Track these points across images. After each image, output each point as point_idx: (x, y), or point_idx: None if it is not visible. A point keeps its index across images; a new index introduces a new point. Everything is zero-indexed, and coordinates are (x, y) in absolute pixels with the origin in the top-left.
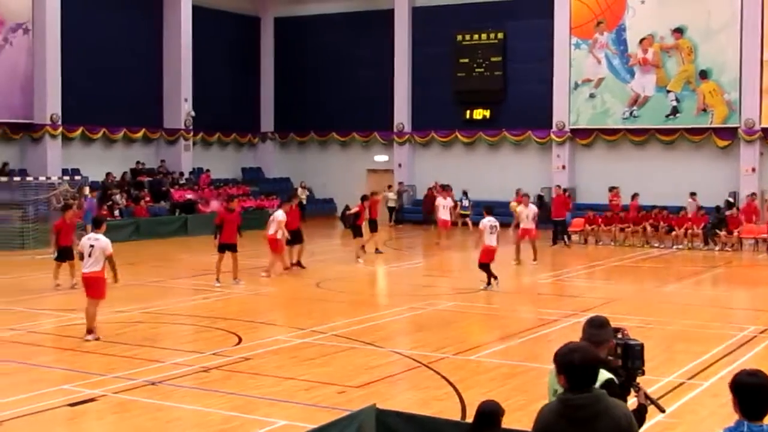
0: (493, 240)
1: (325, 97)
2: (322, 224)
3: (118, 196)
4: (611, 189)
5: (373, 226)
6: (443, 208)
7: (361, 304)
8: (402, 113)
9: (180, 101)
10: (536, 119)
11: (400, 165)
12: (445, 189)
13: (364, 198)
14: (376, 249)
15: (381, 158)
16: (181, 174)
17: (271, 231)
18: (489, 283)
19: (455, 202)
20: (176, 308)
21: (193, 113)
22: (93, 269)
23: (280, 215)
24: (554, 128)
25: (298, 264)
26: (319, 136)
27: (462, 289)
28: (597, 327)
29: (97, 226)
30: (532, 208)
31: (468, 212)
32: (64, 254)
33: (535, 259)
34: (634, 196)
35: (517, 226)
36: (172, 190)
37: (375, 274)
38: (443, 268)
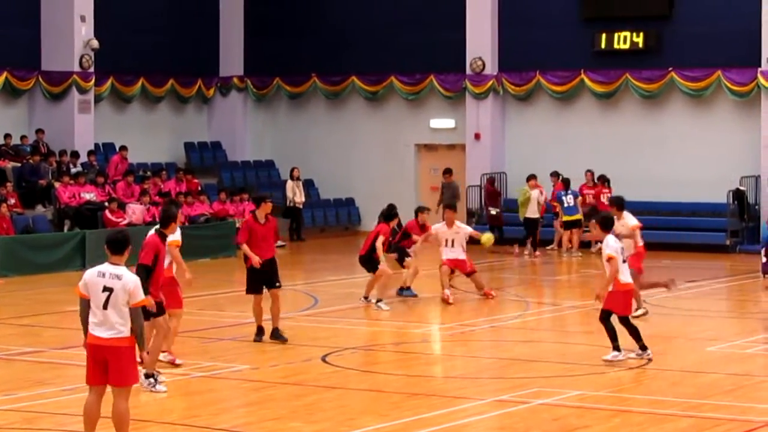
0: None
1: (338, 16)
2: (328, 247)
3: None
4: None
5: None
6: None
7: (402, 395)
8: (482, 41)
9: (71, 22)
10: (731, 51)
11: (477, 136)
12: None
13: (389, 214)
14: (372, 298)
15: (443, 123)
16: (75, 155)
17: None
18: (617, 350)
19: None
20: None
21: (96, 44)
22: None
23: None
24: (766, 65)
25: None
26: (327, 83)
27: (592, 366)
28: None
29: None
30: None
31: (577, 216)
32: None
33: None
34: None
35: None
36: (57, 185)
37: (428, 338)
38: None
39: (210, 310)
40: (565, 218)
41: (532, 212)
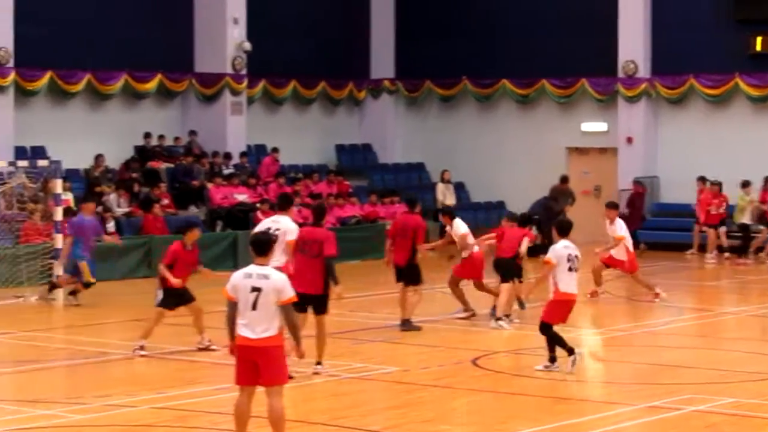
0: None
1: (489, 19)
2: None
3: (112, 197)
4: None
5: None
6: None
7: (552, 399)
8: (633, 44)
9: (224, 25)
10: None
11: (629, 140)
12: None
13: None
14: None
15: (594, 127)
16: (227, 156)
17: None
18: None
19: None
20: None
21: (248, 46)
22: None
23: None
24: None
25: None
26: (478, 86)
27: (747, 373)
28: None
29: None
30: None
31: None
32: (178, 297)
33: None
34: None
35: None
36: (210, 186)
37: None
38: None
39: (361, 312)
40: None
41: (747, 218)
